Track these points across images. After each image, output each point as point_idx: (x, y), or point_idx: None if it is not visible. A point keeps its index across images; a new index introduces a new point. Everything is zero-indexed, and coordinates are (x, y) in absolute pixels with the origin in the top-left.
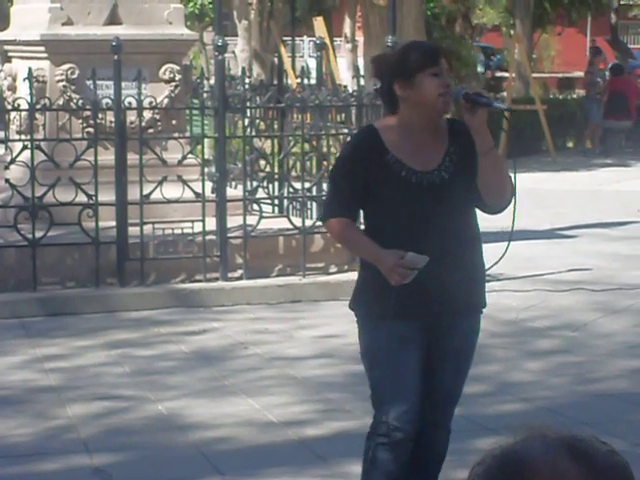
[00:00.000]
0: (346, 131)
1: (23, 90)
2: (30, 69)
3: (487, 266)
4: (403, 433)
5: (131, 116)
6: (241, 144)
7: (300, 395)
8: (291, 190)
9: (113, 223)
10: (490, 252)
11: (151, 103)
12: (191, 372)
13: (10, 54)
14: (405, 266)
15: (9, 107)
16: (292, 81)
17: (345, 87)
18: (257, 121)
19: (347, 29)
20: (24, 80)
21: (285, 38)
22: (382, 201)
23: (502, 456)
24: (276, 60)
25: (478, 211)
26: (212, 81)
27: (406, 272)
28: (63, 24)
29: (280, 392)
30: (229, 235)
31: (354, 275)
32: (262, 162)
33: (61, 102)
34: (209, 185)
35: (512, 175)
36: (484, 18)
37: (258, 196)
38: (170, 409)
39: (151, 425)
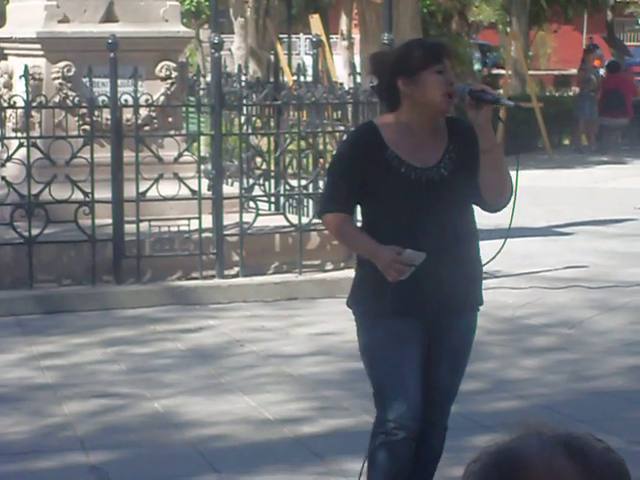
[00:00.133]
0: (342, 128)
1: (19, 88)
2: (26, 66)
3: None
4: (406, 431)
5: (127, 113)
6: (237, 141)
7: (296, 393)
8: (287, 187)
9: (109, 221)
10: (487, 249)
11: (147, 100)
12: (187, 370)
13: (6, 51)
14: (402, 262)
15: (5, 105)
16: (288, 78)
17: (341, 84)
18: (253, 118)
19: (343, 26)
20: (20, 78)
21: (281, 35)
22: (380, 197)
23: (498, 453)
24: (272, 57)
25: (475, 208)
26: (208, 78)
27: (403, 268)
28: (59, 21)
29: (276, 390)
30: (225, 232)
31: (350, 272)
32: (258, 159)
33: (57, 100)
34: (205, 182)
35: (514, 171)
36: (480, 15)
37: (254, 193)
38: (166, 407)
39: (147, 423)
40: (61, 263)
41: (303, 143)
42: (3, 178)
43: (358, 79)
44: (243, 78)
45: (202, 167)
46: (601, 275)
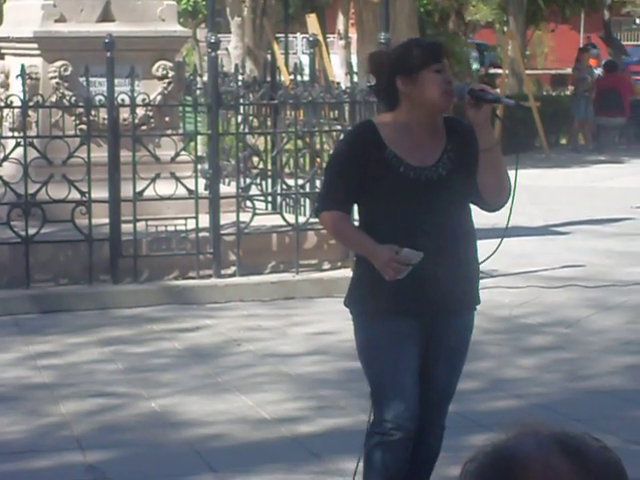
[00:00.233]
0: (339, 128)
1: (16, 87)
2: (23, 66)
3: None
4: (403, 431)
5: (124, 113)
6: (234, 141)
7: (293, 392)
8: (284, 187)
9: (106, 220)
10: (484, 248)
11: (144, 100)
12: (184, 369)
13: (3, 51)
14: (400, 261)
15: (2, 104)
16: (285, 78)
17: (338, 84)
18: (250, 118)
19: (340, 26)
20: (17, 77)
21: (278, 35)
22: (378, 196)
23: (494, 453)
24: (269, 57)
25: (473, 208)
26: (205, 78)
27: (401, 267)
28: (56, 21)
29: (273, 389)
30: (222, 232)
31: (347, 272)
32: (255, 159)
33: (54, 99)
34: (202, 182)
35: (514, 170)
36: (477, 15)
37: (251, 193)
38: (163, 406)
39: (144, 422)
40: (58, 262)
41: (300, 142)
42: (0, 177)
43: (355, 78)
44: (240, 77)
45: (199, 166)
46: (598, 274)
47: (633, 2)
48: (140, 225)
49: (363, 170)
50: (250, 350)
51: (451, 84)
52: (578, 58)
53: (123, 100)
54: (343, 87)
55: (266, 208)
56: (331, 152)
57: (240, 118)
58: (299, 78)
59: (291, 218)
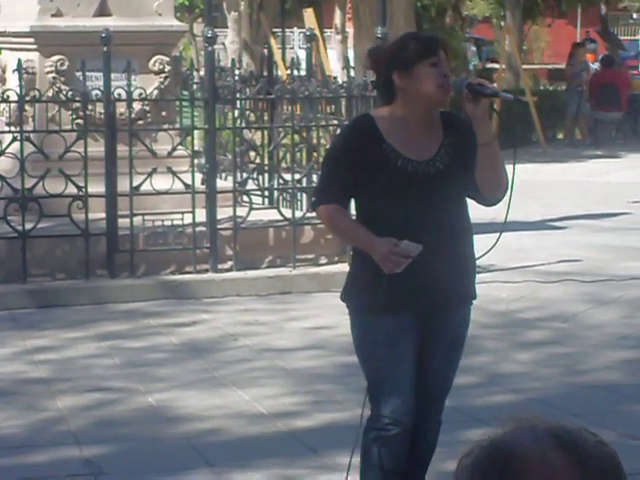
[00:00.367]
0: (336, 122)
1: (12, 82)
2: (19, 60)
3: (477, 256)
4: (400, 427)
5: (121, 108)
6: (231, 135)
7: (290, 387)
8: (281, 181)
9: (103, 215)
10: (481, 243)
11: (141, 95)
12: (181, 364)
13: None
14: (399, 254)
15: None
16: (282, 73)
17: (335, 78)
18: (247, 112)
19: (337, 20)
20: (13, 72)
21: (275, 30)
22: (376, 190)
23: (490, 447)
24: (266, 52)
25: (471, 202)
26: (202, 72)
27: (400, 260)
28: (52, 15)
29: (270, 384)
30: (219, 227)
31: (344, 266)
32: (252, 153)
33: (50, 94)
34: (199, 177)
35: (512, 165)
36: (474, 9)
37: (248, 187)
38: (160, 401)
39: (141, 417)
40: (55, 257)
41: (297, 137)
42: None
43: (352, 73)
44: (237, 72)
45: (196, 161)
46: (595, 269)
47: None
48: (137, 220)
49: (360, 164)
50: (247, 345)
51: (447, 77)
52: (572, 53)
53: (120, 95)
54: (340, 82)
55: (263, 203)
56: (328, 146)
57: (237, 113)
58: (296, 73)
59: (288, 213)
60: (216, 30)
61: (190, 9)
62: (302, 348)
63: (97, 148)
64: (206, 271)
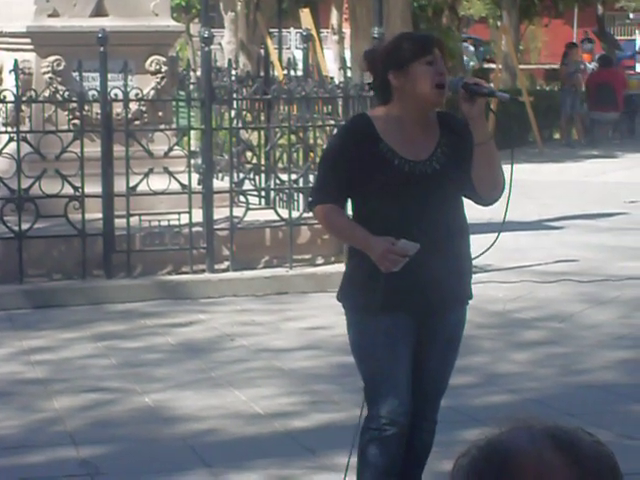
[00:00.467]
0: (333, 123)
1: (9, 82)
2: (16, 61)
3: (473, 256)
4: (397, 427)
5: (117, 108)
6: (228, 136)
7: (287, 387)
8: (278, 182)
9: (99, 215)
10: (478, 243)
11: (137, 95)
12: (178, 364)
13: None
14: (396, 253)
15: None
16: (279, 73)
17: (332, 79)
18: (244, 113)
19: (334, 20)
20: (10, 72)
21: (272, 30)
22: (372, 190)
23: (487, 447)
24: (263, 52)
25: (468, 202)
26: (198, 73)
27: (397, 259)
28: (49, 16)
29: (267, 384)
30: (216, 227)
31: (341, 266)
32: (249, 154)
33: (47, 94)
34: (195, 177)
35: (509, 165)
36: (471, 9)
37: (245, 188)
38: (157, 401)
39: (138, 417)
40: (51, 257)
41: (293, 137)
42: None
43: (348, 73)
44: (233, 72)
45: (192, 161)
46: (591, 269)
47: None
48: (133, 220)
49: (357, 163)
50: (243, 345)
51: (443, 75)
52: (566, 53)
53: (116, 95)
54: (336, 82)
55: (259, 203)
56: (325, 146)
57: (233, 113)
58: (292, 73)
59: (284, 213)
60: (213, 30)
61: (187, 9)
62: (299, 348)
63: (94, 148)
64: (203, 271)
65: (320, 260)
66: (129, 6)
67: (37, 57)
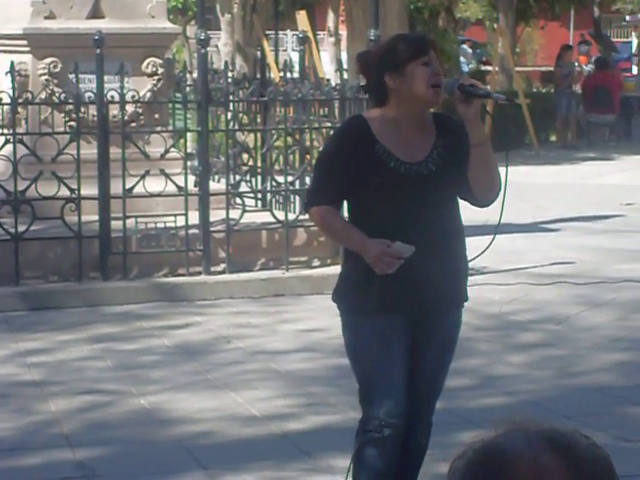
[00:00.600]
0: (329, 125)
1: (5, 84)
2: (12, 63)
3: (469, 258)
4: (393, 428)
5: (114, 110)
6: (224, 138)
7: (283, 389)
8: (274, 184)
9: (96, 217)
10: (473, 245)
11: (134, 97)
12: (174, 366)
13: None
14: (391, 255)
15: None
16: (275, 75)
17: (328, 81)
18: (240, 115)
19: (330, 23)
20: (6, 74)
21: (268, 32)
22: (368, 191)
23: (483, 449)
24: (259, 54)
25: (464, 204)
26: (195, 75)
27: (392, 261)
28: (45, 18)
29: (263, 386)
30: (212, 229)
31: (337, 269)
32: (245, 156)
33: (43, 96)
34: (192, 179)
35: (504, 167)
36: (467, 12)
37: (241, 190)
38: (153, 403)
39: (134, 419)
40: (47, 260)
41: (290, 139)
42: None
43: (345, 75)
44: (230, 74)
45: (189, 163)
46: (588, 271)
47: None
48: (130, 222)
49: (353, 165)
50: (240, 347)
51: (439, 75)
52: (560, 55)
53: (113, 97)
54: (333, 84)
55: (256, 205)
56: (321, 149)
57: (230, 115)
58: (289, 75)
59: (281, 215)
60: (209, 32)
61: (183, 11)
62: (295, 350)
63: (90, 150)
64: (199, 273)
65: (316, 262)
66: (126, 8)
67: (33, 59)
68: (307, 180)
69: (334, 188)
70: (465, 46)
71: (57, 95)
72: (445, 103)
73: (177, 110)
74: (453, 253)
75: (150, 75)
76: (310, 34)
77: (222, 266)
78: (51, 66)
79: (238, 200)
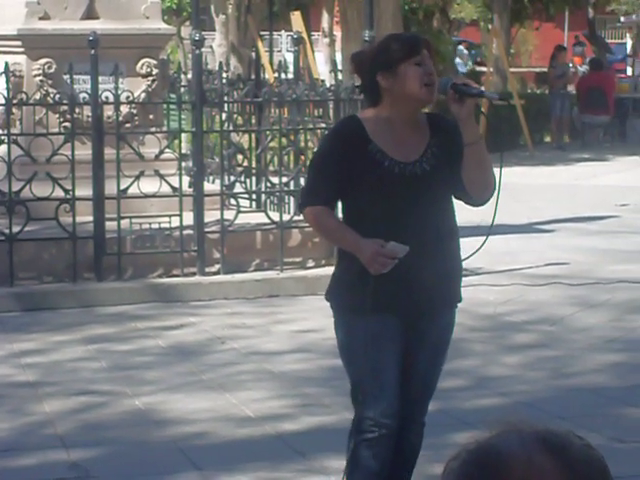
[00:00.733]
0: (323, 126)
1: (0, 85)
2: (7, 63)
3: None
4: (386, 429)
5: (108, 111)
6: (218, 139)
7: (277, 390)
8: (268, 185)
9: (90, 218)
10: (468, 246)
11: (128, 98)
12: (168, 367)
13: None
14: (386, 255)
15: None
16: (269, 76)
17: (322, 82)
18: (235, 116)
19: (325, 24)
20: (0, 75)
21: (263, 32)
22: (363, 191)
23: (477, 450)
24: (253, 55)
25: (458, 205)
26: (189, 76)
27: (386, 261)
28: (40, 18)
29: (257, 387)
30: (206, 230)
31: (332, 269)
32: (239, 157)
33: (38, 97)
34: (186, 180)
35: (498, 168)
36: (462, 13)
37: (235, 191)
38: (147, 404)
39: (128, 420)
40: (42, 260)
41: (284, 140)
42: None
43: (339, 76)
44: (224, 75)
45: (183, 164)
46: (582, 272)
47: (617, 0)
48: (124, 223)
49: (347, 165)
50: (234, 348)
51: (432, 75)
52: (554, 55)
53: (107, 98)
54: (327, 85)
55: (250, 206)
56: (315, 149)
57: (224, 116)
58: (283, 76)
59: (275, 216)
60: (204, 33)
61: (178, 12)
62: (289, 351)
63: (84, 151)
64: (193, 274)
65: (311, 263)
66: (120, 9)
67: (28, 60)
68: (301, 181)
69: (328, 188)
70: (462, 47)
71: (52, 96)
72: (439, 103)
73: (171, 111)
74: (447, 253)
75: (145, 76)
76: (304, 35)
77: (216, 267)
78: (45, 67)
79: (232, 201)
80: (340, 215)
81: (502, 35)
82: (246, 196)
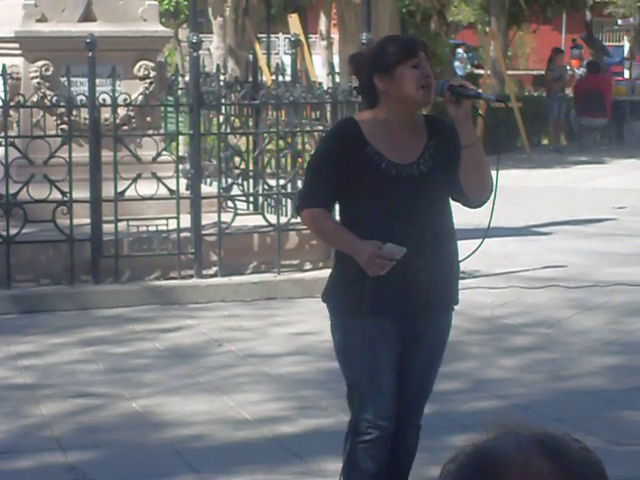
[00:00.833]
0: (321, 128)
1: None
2: (4, 66)
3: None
4: (383, 431)
5: (105, 113)
6: (216, 141)
7: (275, 392)
8: (266, 187)
9: (87, 220)
10: (466, 249)
11: (125, 100)
12: (165, 369)
13: None
14: (383, 257)
15: None
16: (267, 78)
17: (320, 84)
18: (232, 118)
19: (322, 26)
20: None
21: (260, 35)
22: (360, 193)
23: (474, 453)
24: (251, 57)
25: (456, 207)
26: (187, 78)
27: (384, 263)
28: (37, 21)
29: (255, 389)
30: (204, 232)
31: (329, 272)
32: (237, 159)
33: (35, 99)
34: (184, 182)
35: (495, 171)
36: (459, 15)
37: (233, 193)
38: (144, 406)
39: (125, 422)
40: (39, 263)
41: (282, 143)
42: None
43: (337, 79)
44: (222, 78)
45: (180, 167)
46: (579, 275)
47: (615, 3)
48: (121, 225)
49: (344, 167)
50: (231, 350)
51: (429, 77)
52: (551, 58)
53: (104, 100)
54: (325, 87)
55: (248, 208)
56: (313, 151)
57: (222, 118)
58: (281, 78)
59: (273, 218)
60: (201, 36)
61: (175, 15)
62: (287, 354)
63: (82, 153)
64: (191, 277)
65: (308, 265)
66: (118, 11)
67: (25, 62)
68: (299, 183)
69: (325, 191)
70: (461, 50)
71: (49, 98)
72: (436, 105)
73: (169, 113)
74: (444, 255)
75: (142, 78)
76: (302, 37)
77: (214, 269)
78: (43, 69)
79: (230, 203)
80: (337, 217)
81: (499, 38)
82: (243, 199)
